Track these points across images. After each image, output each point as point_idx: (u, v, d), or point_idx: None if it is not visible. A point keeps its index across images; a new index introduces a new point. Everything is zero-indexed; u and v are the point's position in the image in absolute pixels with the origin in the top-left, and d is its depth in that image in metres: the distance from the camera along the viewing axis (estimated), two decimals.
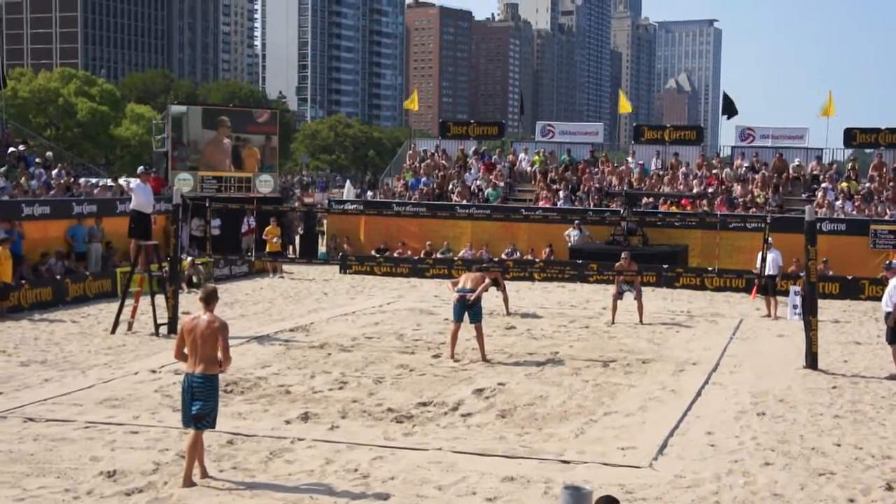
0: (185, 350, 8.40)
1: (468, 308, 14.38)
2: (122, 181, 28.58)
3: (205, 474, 8.43)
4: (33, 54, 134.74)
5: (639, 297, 18.66)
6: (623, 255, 19.02)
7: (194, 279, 23.32)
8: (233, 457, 9.14)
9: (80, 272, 21.57)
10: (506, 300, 19.76)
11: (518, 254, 28.19)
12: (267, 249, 26.41)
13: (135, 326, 16.53)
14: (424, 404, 11.41)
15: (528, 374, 13.41)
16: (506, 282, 20.84)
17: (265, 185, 30.13)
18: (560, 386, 12.65)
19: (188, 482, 8.26)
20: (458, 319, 14.49)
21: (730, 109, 31.66)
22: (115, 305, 17.26)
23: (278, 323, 17.99)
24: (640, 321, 18.60)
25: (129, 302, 16.82)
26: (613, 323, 18.47)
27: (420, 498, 8.13)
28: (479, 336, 14.50)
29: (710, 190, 28.64)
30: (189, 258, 23.68)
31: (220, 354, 8.26)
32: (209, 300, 8.48)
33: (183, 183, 27.77)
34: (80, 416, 10.56)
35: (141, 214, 17.68)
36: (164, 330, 16.18)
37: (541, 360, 14.49)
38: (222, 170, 29.38)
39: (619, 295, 18.78)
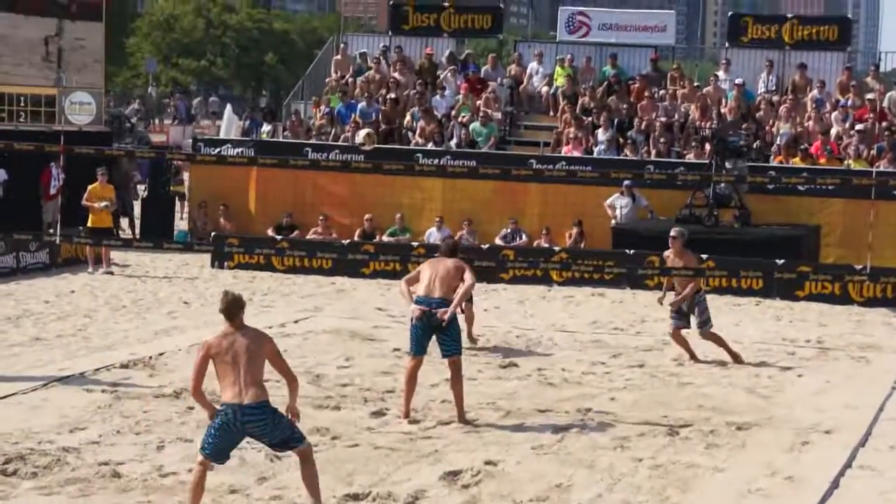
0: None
1: (438, 331, 14.27)
2: None
3: None
4: None
5: (702, 319, 18.45)
6: (672, 236, 18.58)
7: None
8: None
9: None
10: (469, 319, 18.76)
11: (524, 237, 28.23)
12: (89, 224, 26.12)
13: None
14: (357, 498, 11.42)
15: (538, 447, 13.43)
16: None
17: (82, 109, 29.92)
18: (593, 468, 12.68)
19: None
20: (419, 351, 14.41)
21: None
22: None
23: (101, 353, 17.91)
24: (735, 359, 18.56)
25: None
26: (692, 359, 18.49)
27: None
28: (456, 379, 14.42)
29: (861, 128, 28.76)
30: None
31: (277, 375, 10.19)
32: (231, 311, 10.09)
33: None
34: None
35: None
36: None
37: (560, 423, 14.52)
38: None
39: (679, 323, 18.39)
